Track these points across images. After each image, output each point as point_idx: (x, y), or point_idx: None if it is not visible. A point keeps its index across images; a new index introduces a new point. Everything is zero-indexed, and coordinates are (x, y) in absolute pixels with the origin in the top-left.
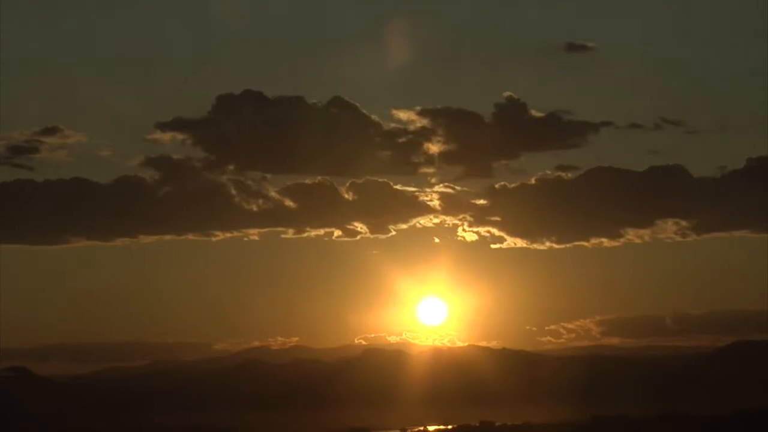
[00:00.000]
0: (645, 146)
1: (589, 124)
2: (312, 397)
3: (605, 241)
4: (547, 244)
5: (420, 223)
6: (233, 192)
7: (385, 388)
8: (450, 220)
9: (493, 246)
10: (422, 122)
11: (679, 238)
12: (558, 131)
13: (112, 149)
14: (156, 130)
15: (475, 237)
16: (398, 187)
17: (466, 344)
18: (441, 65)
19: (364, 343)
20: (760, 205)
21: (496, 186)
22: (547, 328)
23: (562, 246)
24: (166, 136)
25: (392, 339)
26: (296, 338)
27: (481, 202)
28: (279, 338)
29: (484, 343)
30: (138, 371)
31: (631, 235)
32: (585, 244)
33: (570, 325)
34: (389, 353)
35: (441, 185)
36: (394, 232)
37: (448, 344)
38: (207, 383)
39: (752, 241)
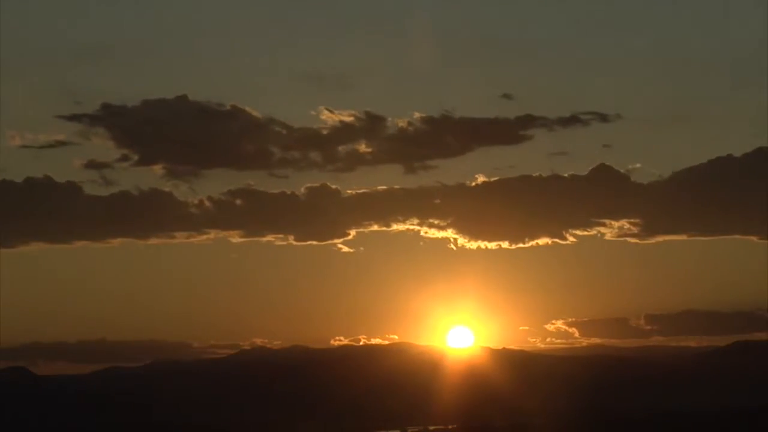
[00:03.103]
0: (585, 142)
1: (531, 117)
2: (311, 397)
3: (557, 241)
4: (497, 243)
5: (375, 226)
6: (177, 194)
7: (385, 388)
8: (404, 221)
9: (452, 246)
10: (351, 122)
11: (634, 240)
12: (496, 128)
13: (22, 149)
14: (59, 125)
15: (437, 237)
16: (348, 191)
17: (465, 344)
18: (366, 67)
19: (360, 343)
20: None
21: (446, 185)
22: (521, 328)
23: (515, 247)
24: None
25: (383, 340)
26: (288, 338)
27: (435, 201)
28: (271, 339)
29: (483, 344)
30: (138, 371)
31: (577, 236)
32: (539, 243)
33: (549, 327)
34: (388, 353)
35: (383, 186)
36: (351, 235)
37: (447, 344)
38: (207, 383)
39: (703, 243)
